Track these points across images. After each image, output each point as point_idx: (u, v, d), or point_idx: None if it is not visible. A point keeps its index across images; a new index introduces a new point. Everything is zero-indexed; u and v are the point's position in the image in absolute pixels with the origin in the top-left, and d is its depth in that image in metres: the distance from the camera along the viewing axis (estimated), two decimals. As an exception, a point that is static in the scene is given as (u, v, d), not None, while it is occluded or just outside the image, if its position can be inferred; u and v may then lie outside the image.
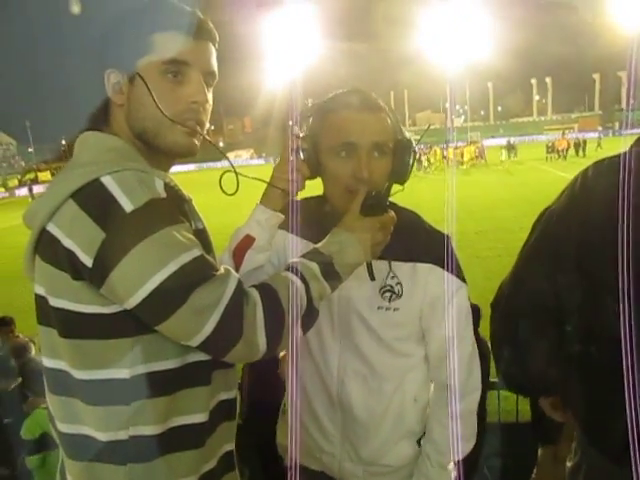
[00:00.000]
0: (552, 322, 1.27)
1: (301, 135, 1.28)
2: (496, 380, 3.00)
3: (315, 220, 1.31)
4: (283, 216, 1.28)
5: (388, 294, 1.31)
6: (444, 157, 32.91)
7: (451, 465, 1.41)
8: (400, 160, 1.28)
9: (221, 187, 1.19)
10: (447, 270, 1.32)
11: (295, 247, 1.34)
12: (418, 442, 1.42)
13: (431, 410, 1.41)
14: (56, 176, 1.02)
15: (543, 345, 1.29)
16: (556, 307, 1.25)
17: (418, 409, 1.40)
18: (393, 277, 1.31)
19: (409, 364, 1.39)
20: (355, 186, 1.22)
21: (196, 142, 1.08)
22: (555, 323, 1.27)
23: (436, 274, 1.32)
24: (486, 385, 3.10)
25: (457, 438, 1.35)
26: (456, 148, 32.75)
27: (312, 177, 1.30)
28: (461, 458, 1.38)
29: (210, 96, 1.08)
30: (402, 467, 1.43)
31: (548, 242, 1.26)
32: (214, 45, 1.09)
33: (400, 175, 1.29)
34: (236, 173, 1.16)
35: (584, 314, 1.22)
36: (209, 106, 1.09)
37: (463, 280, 1.35)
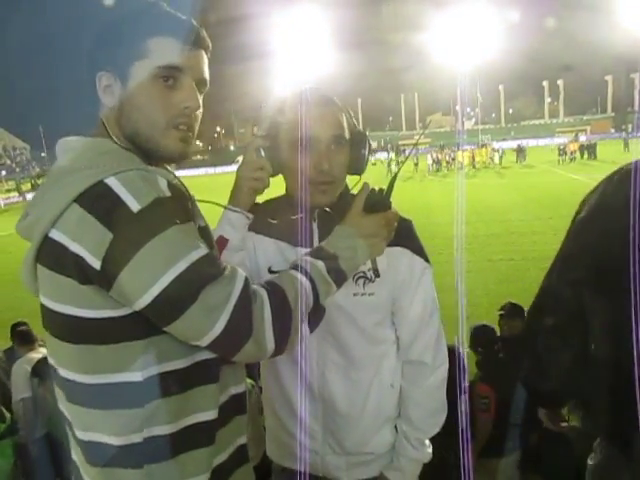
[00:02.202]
0: (576, 331, 1.25)
1: (260, 134, 1.33)
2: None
3: (281, 219, 1.36)
4: (252, 215, 1.33)
5: (362, 280, 1.35)
6: (449, 161, 33.26)
7: (427, 441, 1.46)
8: (357, 152, 1.35)
9: None
10: (415, 253, 1.38)
11: (264, 247, 1.39)
12: (396, 427, 1.46)
13: (403, 390, 1.44)
14: (49, 184, 0.99)
15: (566, 354, 1.28)
16: (579, 314, 1.24)
17: (394, 394, 1.44)
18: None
19: (383, 350, 1.42)
20: (317, 178, 1.28)
21: (187, 147, 1.08)
22: (580, 332, 1.25)
23: (405, 256, 1.38)
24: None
25: (432, 412, 1.44)
26: (463, 151, 33.23)
27: (275, 174, 1.35)
28: (436, 432, 1.45)
29: (201, 102, 1.09)
30: (384, 454, 1.46)
31: (573, 250, 1.26)
32: (207, 53, 1.10)
33: (358, 167, 1.36)
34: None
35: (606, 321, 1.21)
36: (200, 112, 1.09)
37: (428, 262, 1.41)
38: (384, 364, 1.42)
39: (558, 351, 1.28)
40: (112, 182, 0.90)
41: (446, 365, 1.45)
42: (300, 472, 1.47)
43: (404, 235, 1.37)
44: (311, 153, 1.28)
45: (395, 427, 1.46)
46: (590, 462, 1.35)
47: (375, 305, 1.37)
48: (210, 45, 1.10)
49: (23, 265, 1.00)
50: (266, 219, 1.37)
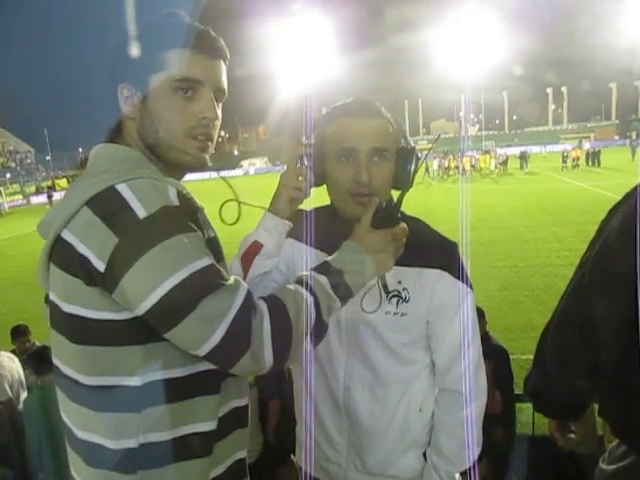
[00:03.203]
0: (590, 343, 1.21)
1: (306, 143, 1.30)
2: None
3: (322, 228, 1.33)
4: (290, 224, 1.30)
5: (395, 299, 1.32)
6: (457, 165, 33.42)
7: (458, 475, 1.40)
8: (402, 167, 1.29)
9: (221, 217, 1.23)
10: (456, 277, 1.33)
11: (303, 255, 1.37)
12: (424, 455, 1.41)
13: (436, 418, 1.40)
14: (71, 185, 1.03)
15: (578, 365, 1.25)
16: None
17: (423, 419, 1.40)
18: (399, 282, 1.31)
19: (414, 372, 1.38)
20: (356, 190, 1.25)
21: (206, 156, 1.11)
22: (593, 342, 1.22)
23: (444, 280, 1.32)
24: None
25: (465, 445, 1.36)
26: (467, 157, 33.54)
27: (318, 184, 1.33)
28: (468, 466, 1.37)
29: (219, 112, 1.10)
30: None
31: (598, 269, 1.20)
32: (225, 62, 1.11)
33: (402, 181, 1.29)
34: (239, 202, 1.20)
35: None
36: (218, 122, 1.11)
37: (470, 287, 1.35)
38: (414, 386, 1.38)
39: (569, 362, 1.25)
40: (122, 188, 0.93)
41: (484, 398, 1.38)
42: None
43: (445, 258, 1.34)
44: (350, 165, 1.26)
45: (424, 455, 1.41)
46: (602, 465, 1.32)
47: (406, 326, 1.33)
48: (228, 54, 1.11)
49: (38, 262, 1.02)
50: (308, 227, 1.35)
